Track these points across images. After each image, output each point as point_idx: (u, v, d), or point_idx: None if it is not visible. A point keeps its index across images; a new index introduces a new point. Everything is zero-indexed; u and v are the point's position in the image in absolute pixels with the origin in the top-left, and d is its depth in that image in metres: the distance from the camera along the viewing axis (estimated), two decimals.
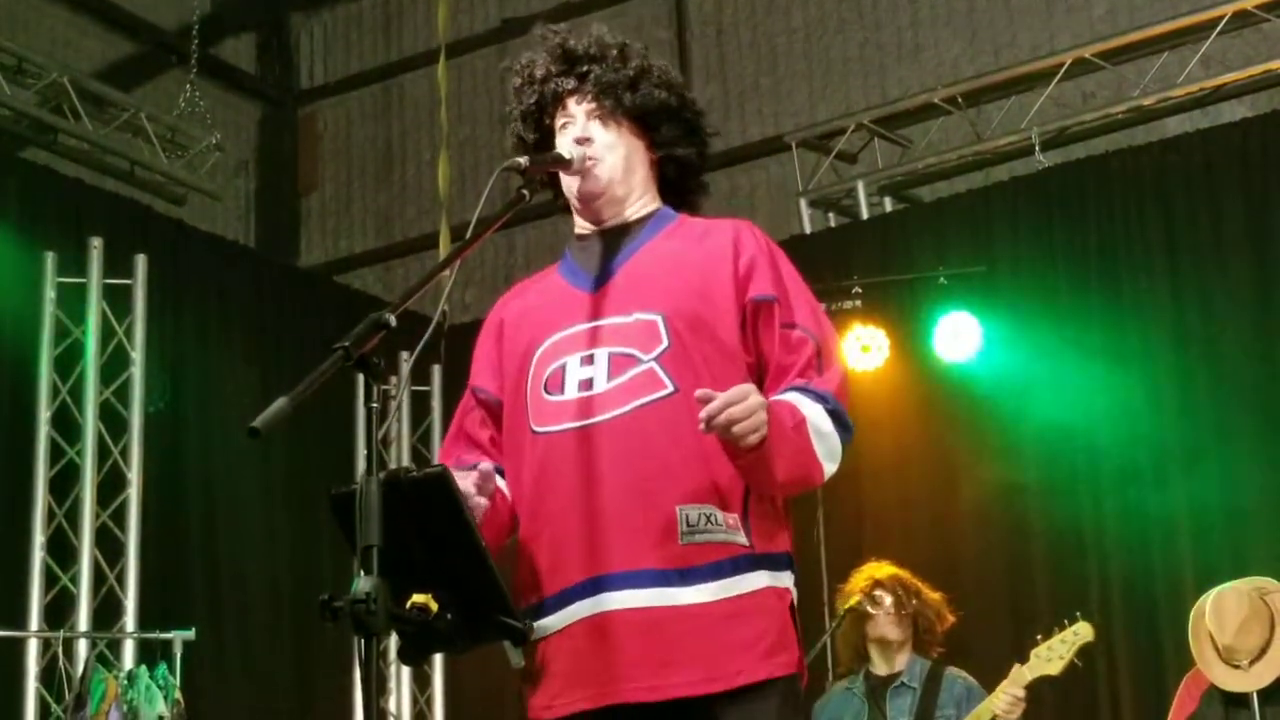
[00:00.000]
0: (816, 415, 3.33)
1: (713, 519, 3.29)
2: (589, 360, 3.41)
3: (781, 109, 9.65)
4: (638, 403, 3.33)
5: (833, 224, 8.96)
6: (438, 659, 8.43)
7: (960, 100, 8.68)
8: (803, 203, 8.88)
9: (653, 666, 3.25)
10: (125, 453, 7.53)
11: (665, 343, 3.37)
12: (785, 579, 3.38)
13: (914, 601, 6.44)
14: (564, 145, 3.57)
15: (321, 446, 8.47)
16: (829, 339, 3.47)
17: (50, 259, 7.48)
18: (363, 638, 2.78)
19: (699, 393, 3.18)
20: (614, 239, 3.59)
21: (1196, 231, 7.61)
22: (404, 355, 8.92)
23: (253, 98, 11.10)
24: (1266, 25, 8.02)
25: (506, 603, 3.13)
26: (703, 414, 3.13)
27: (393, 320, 3.00)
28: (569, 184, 3.60)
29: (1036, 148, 8.27)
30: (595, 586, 3.29)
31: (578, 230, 3.66)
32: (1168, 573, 7.26)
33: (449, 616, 3.01)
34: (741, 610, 3.28)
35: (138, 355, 7.61)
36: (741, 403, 3.13)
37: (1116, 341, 7.54)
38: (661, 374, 3.35)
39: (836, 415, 3.36)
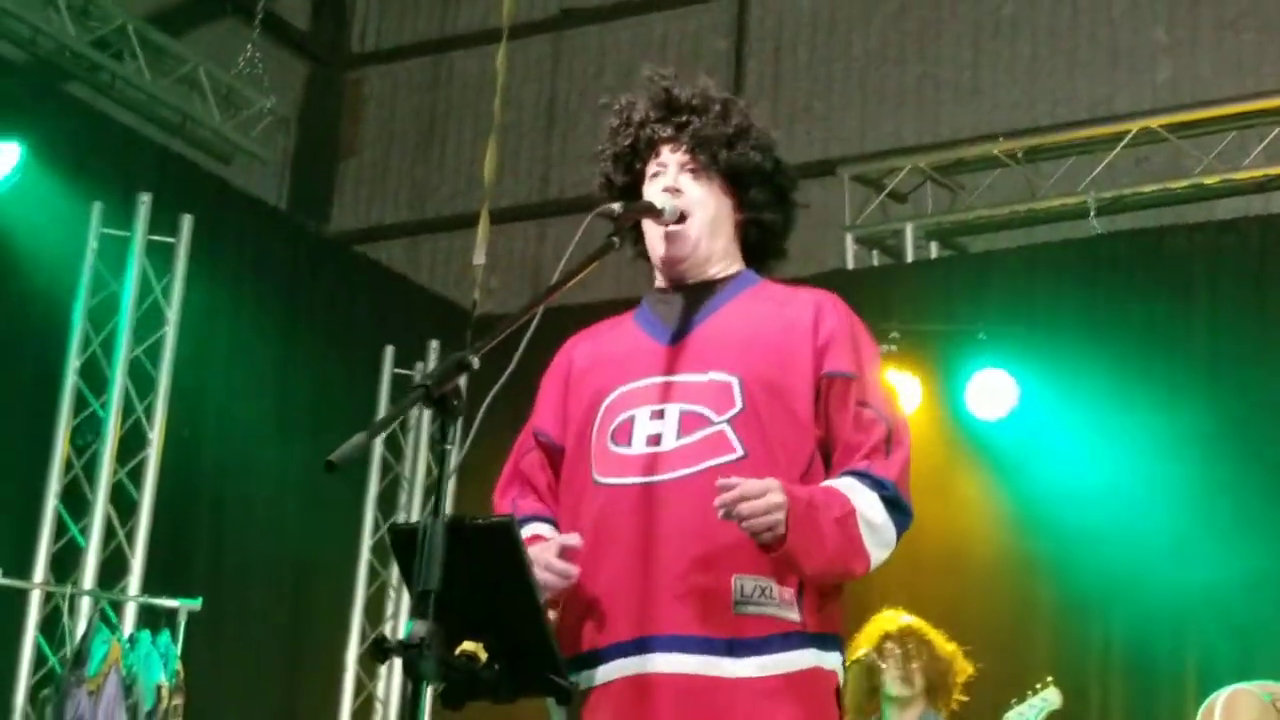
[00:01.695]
0: (869, 505, 3.31)
1: (768, 592, 3.28)
2: (659, 415, 3.39)
3: (831, 134, 9.63)
4: (705, 465, 3.30)
5: (876, 262, 8.95)
6: None
7: (1020, 155, 8.64)
8: (848, 238, 8.86)
9: None
10: (149, 411, 7.50)
11: (739, 406, 3.36)
12: (833, 660, 3.36)
13: (925, 655, 6.42)
14: (653, 194, 3.55)
15: (341, 430, 8.41)
16: (900, 424, 3.45)
17: (97, 209, 7.44)
18: (412, 682, 2.77)
19: (720, 481, 3.17)
20: (695, 295, 3.56)
21: (1243, 318, 7.59)
22: (433, 344, 8.93)
23: (301, 55, 11.03)
24: None
25: (557, 660, 3.11)
26: (717, 501, 3.13)
27: (475, 363, 2.94)
28: (654, 242, 3.59)
29: (1092, 212, 8.27)
30: (642, 646, 3.27)
31: (657, 284, 3.64)
32: (1171, 656, 7.25)
33: (496, 667, 3.00)
34: (786, 689, 3.27)
35: (173, 315, 7.59)
36: (756, 499, 3.12)
37: (1148, 419, 7.50)
38: (732, 437, 3.33)
39: (893, 502, 3.35)
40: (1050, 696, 6.22)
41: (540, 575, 3.19)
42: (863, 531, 3.28)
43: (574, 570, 3.27)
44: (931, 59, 9.50)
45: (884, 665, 6.36)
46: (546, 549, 3.28)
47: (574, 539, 3.29)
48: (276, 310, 8.40)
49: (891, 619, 6.47)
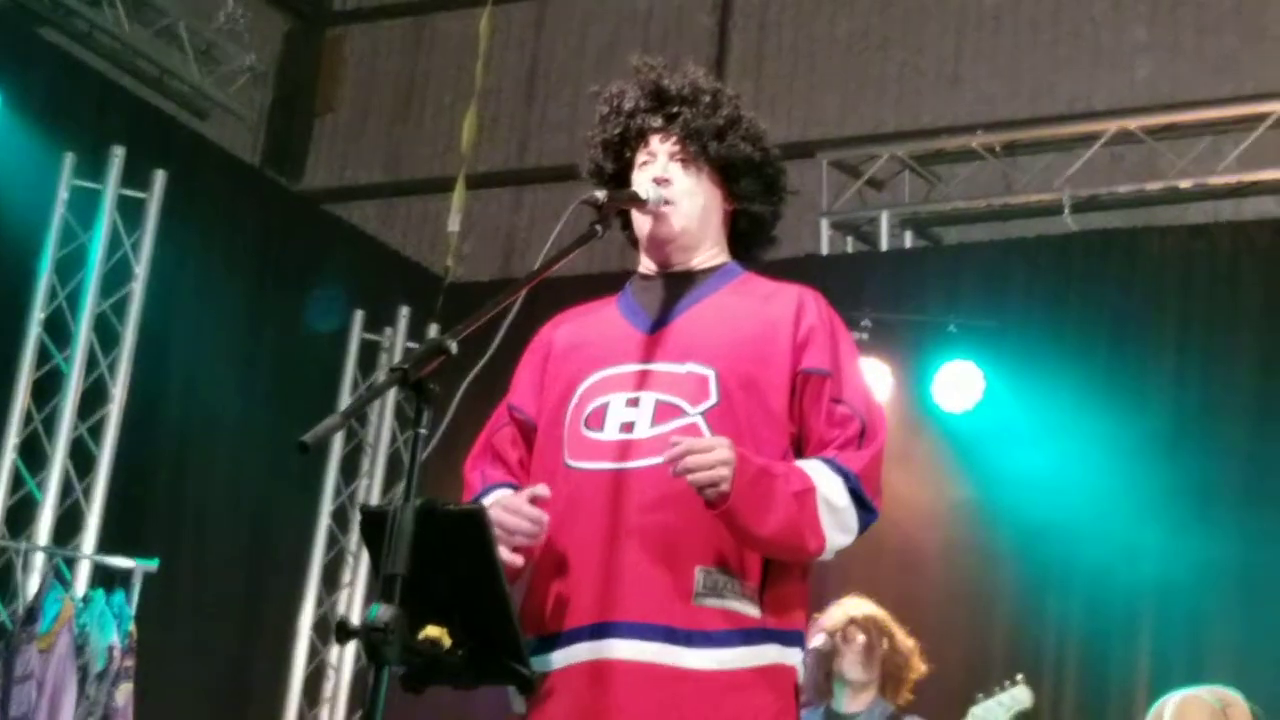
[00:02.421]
0: (831, 488, 3.32)
1: (730, 585, 3.29)
2: (634, 403, 3.40)
3: (811, 116, 9.60)
4: None
5: (850, 249, 8.94)
6: None
7: (998, 149, 8.65)
8: (823, 223, 8.86)
9: None
10: (113, 367, 7.44)
11: (714, 399, 3.37)
12: (793, 656, 3.37)
13: (885, 645, 6.44)
14: (641, 183, 3.55)
15: (304, 392, 8.41)
16: (876, 421, 3.46)
17: (69, 159, 7.37)
18: (374, 665, 2.79)
19: (673, 438, 3.19)
20: (678, 285, 3.57)
21: (1211, 324, 7.61)
22: (403, 310, 8.89)
23: (282, 10, 10.93)
24: None
25: (520, 649, 3.13)
26: (665, 455, 3.16)
27: (454, 348, 2.95)
28: (640, 223, 3.58)
29: (1066, 210, 8.27)
30: (603, 632, 3.28)
31: (642, 269, 3.65)
32: (1124, 658, 7.27)
33: (459, 653, 3.00)
34: (744, 683, 3.28)
35: (141, 271, 7.52)
36: (703, 453, 3.14)
37: (1112, 420, 7.50)
38: (705, 430, 3.33)
39: (856, 495, 3.35)
40: (1020, 695, 6.20)
41: (510, 520, 3.22)
42: (821, 510, 3.29)
43: (544, 516, 3.26)
44: (914, 47, 9.48)
45: (845, 648, 6.38)
46: (517, 495, 3.29)
47: (543, 489, 3.29)
48: (246, 269, 8.36)
49: (858, 604, 6.49)
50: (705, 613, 3.26)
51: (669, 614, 3.26)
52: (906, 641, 6.46)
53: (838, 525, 3.32)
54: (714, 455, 3.13)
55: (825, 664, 6.43)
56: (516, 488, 3.47)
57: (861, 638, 6.39)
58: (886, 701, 6.42)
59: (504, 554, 3.21)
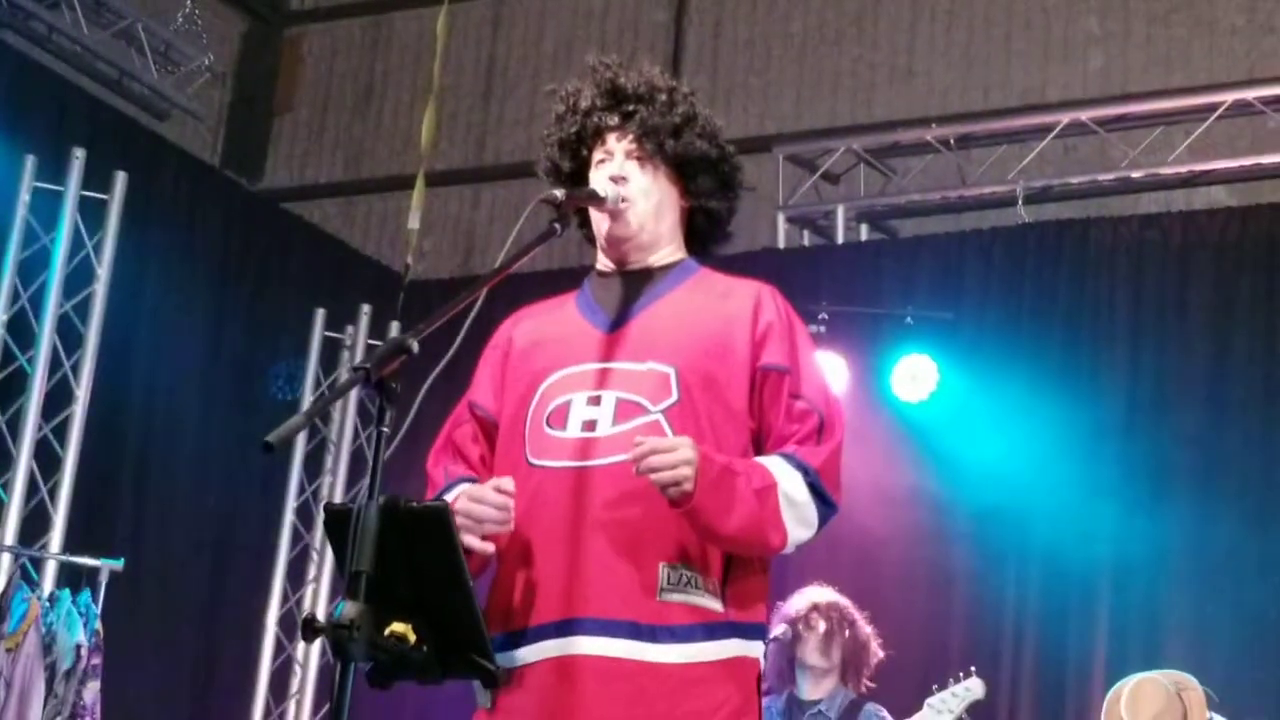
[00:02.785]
0: (791, 483, 3.36)
1: (693, 581, 3.33)
2: (595, 401, 3.43)
3: (767, 111, 9.64)
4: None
5: (807, 243, 8.98)
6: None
7: (951, 141, 8.70)
8: (779, 217, 8.90)
9: (611, 717, 3.28)
10: (77, 368, 7.42)
11: (675, 397, 3.40)
12: (756, 649, 3.41)
13: (846, 633, 6.50)
14: (598, 181, 3.58)
15: (265, 394, 8.40)
16: (834, 416, 3.50)
17: (30, 162, 7.37)
18: (340, 661, 2.82)
19: (636, 438, 3.23)
20: (636, 283, 3.60)
21: (1163, 312, 7.67)
22: (364, 308, 8.89)
23: (240, 10, 10.92)
24: (1261, 118, 8.07)
25: (485, 645, 3.14)
26: (629, 455, 3.20)
27: (415, 347, 2.97)
28: (598, 221, 3.62)
29: (1020, 201, 8.33)
30: (568, 629, 3.31)
31: (599, 267, 3.68)
32: (1081, 643, 7.32)
33: (425, 649, 3.02)
34: (707, 677, 3.32)
35: (104, 273, 7.50)
36: (666, 453, 3.18)
37: (1067, 409, 7.58)
38: (666, 427, 3.37)
39: (816, 490, 3.39)
40: (973, 686, 6.28)
41: (477, 509, 3.26)
42: (782, 506, 3.33)
43: (511, 503, 3.29)
44: (868, 41, 9.51)
45: (807, 635, 6.44)
46: (483, 485, 3.33)
47: (507, 481, 3.32)
48: (208, 269, 8.35)
49: (819, 593, 6.55)
50: (669, 608, 3.30)
51: (634, 610, 3.29)
52: (866, 629, 6.52)
53: (798, 520, 3.37)
54: (676, 455, 3.17)
55: (787, 651, 6.48)
56: (479, 482, 3.49)
57: (823, 625, 6.45)
58: (848, 689, 6.49)
59: (473, 543, 3.25)
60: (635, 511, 3.32)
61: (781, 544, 3.38)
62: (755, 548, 3.38)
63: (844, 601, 6.55)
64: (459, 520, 3.19)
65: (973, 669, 6.34)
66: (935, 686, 6.31)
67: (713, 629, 3.33)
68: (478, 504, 3.29)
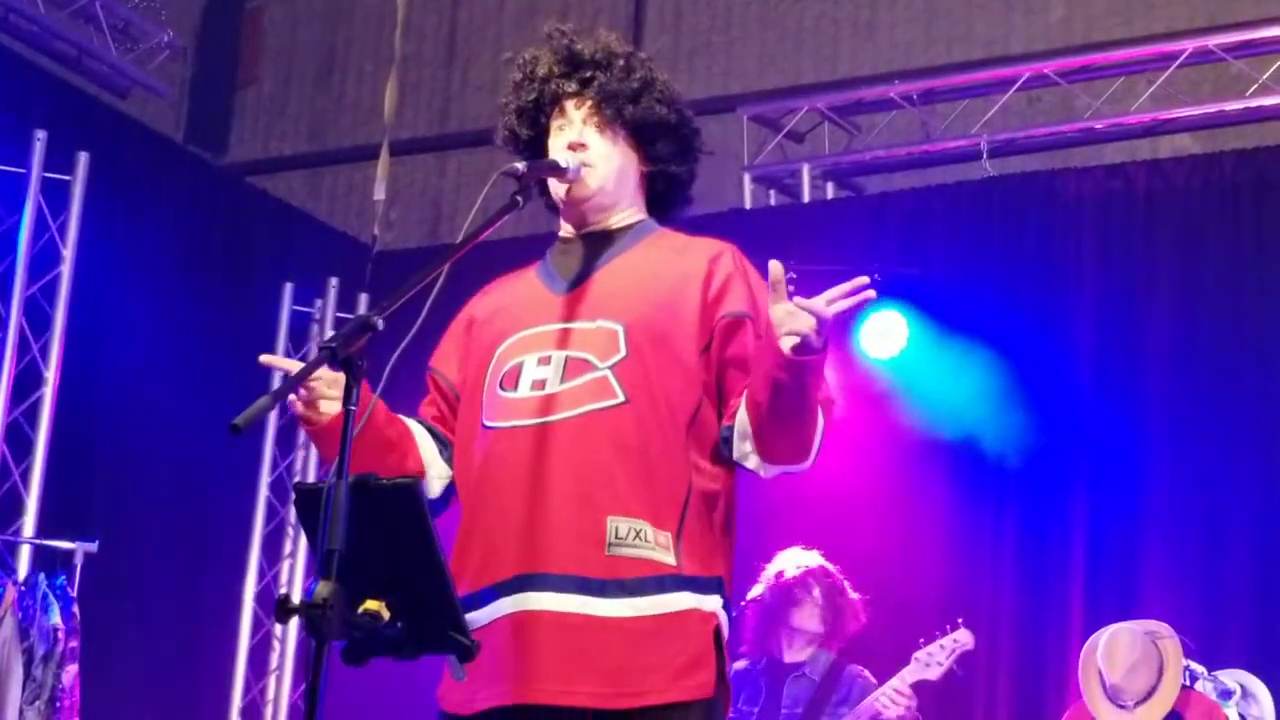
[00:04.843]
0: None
1: (642, 534, 3.35)
2: (545, 361, 3.47)
3: (731, 70, 9.61)
4: (587, 408, 3.40)
5: (773, 202, 8.98)
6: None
7: (915, 97, 8.70)
8: (746, 178, 8.89)
9: (564, 673, 3.31)
10: (45, 351, 7.39)
11: (622, 353, 3.44)
12: (712, 603, 3.42)
13: (836, 599, 6.54)
14: (557, 147, 3.62)
15: (237, 365, 8.36)
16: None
17: None
18: (314, 640, 2.84)
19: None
20: (594, 245, 3.65)
21: (1129, 261, 7.68)
22: (332, 281, 8.88)
23: None
24: (1223, 65, 8.09)
25: (459, 619, 3.13)
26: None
27: (380, 324, 3.00)
28: (557, 187, 3.64)
29: (985, 155, 8.34)
30: (523, 584, 3.35)
31: (561, 233, 3.73)
32: (1058, 594, 7.33)
33: (399, 625, 3.03)
34: (659, 629, 3.34)
35: (69, 254, 7.47)
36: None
37: (1036, 359, 7.60)
38: (614, 383, 3.41)
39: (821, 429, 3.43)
40: (961, 637, 6.32)
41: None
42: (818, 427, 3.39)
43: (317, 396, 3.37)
44: None
45: (804, 601, 6.47)
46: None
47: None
48: (174, 246, 8.29)
49: (808, 556, 6.58)
50: (619, 562, 3.33)
51: (584, 564, 3.33)
52: (853, 595, 6.56)
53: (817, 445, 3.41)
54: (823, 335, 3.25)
55: (772, 614, 6.50)
56: (426, 426, 3.63)
57: (819, 592, 6.48)
58: (829, 651, 6.52)
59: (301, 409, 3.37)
60: (585, 467, 3.36)
61: (809, 450, 3.41)
62: (803, 441, 3.38)
63: (832, 567, 6.59)
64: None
65: (960, 621, 6.37)
66: (922, 640, 6.34)
67: (663, 582, 3.35)
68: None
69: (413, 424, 3.61)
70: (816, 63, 9.42)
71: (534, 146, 3.71)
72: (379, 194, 8.22)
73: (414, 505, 3.06)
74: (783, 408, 3.29)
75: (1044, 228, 7.88)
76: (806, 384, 3.25)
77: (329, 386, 3.36)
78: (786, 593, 6.49)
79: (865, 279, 3.33)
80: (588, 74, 3.64)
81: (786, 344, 3.21)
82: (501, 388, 3.49)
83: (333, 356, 2.93)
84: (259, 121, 10.98)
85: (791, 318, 3.22)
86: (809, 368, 3.23)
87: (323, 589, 2.80)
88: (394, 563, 3.03)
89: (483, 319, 3.67)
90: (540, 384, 3.44)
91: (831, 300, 3.25)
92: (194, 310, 8.32)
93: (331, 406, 3.36)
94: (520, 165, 3.52)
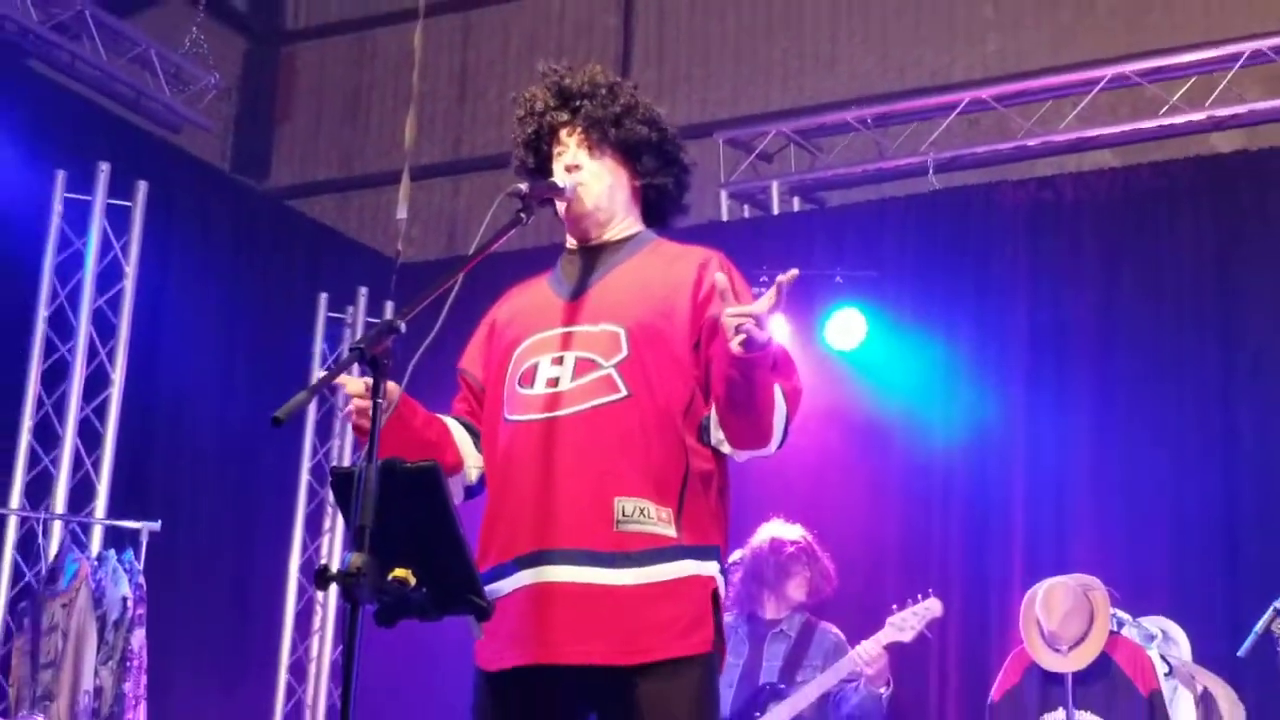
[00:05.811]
0: (778, 395, 3.41)
1: (645, 511, 3.37)
2: (558, 361, 3.49)
3: (709, 98, 9.61)
4: (594, 403, 3.42)
5: (746, 215, 8.98)
6: None
7: (870, 120, 8.71)
8: (722, 194, 8.90)
9: (579, 635, 3.33)
10: (111, 355, 7.44)
11: (624, 352, 3.46)
12: (710, 568, 3.45)
13: (817, 569, 6.55)
14: (558, 172, 3.65)
15: (279, 365, 8.39)
16: (786, 354, 3.52)
17: (61, 176, 7.35)
18: (349, 604, 2.87)
19: (730, 310, 3.27)
20: (595, 256, 3.66)
21: (1058, 262, 7.69)
22: (362, 290, 8.88)
23: (242, 32, 10.89)
24: (1138, 89, 8.11)
25: (476, 584, 3.15)
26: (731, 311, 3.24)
27: (403, 327, 3.03)
28: (560, 206, 3.66)
29: (930, 170, 8.35)
30: (541, 559, 3.37)
31: (568, 245, 3.74)
32: (1001, 554, 7.35)
33: (424, 590, 3.05)
34: (663, 594, 3.36)
35: (131, 270, 7.51)
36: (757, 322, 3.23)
37: (979, 349, 7.63)
38: (618, 380, 3.43)
39: (785, 415, 3.45)
40: (932, 605, 6.30)
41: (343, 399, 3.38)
42: (776, 407, 3.40)
43: (355, 386, 3.37)
44: (795, 33, 9.48)
45: (795, 572, 6.47)
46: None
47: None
48: (223, 262, 8.30)
49: (793, 530, 6.58)
50: (626, 536, 3.35)
51: (595, 540, 3.35)
52: (830, 565, 6.58)
53: (780, 428, 3.43)
54: (765, 333, 3.24)
55: (761, 580, 6.50)
56: (461, 421, 3.64)
57: (807, 566, 6.49)
58: (804, 612, 6.53)
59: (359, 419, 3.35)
60: (593, 454, 3.38)
61: (768, 437, 3.42)
62: (761, 428, 3.39)
63: (811, 537, 6.61)
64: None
65: (930, 590, 6.37)
66: (895, 606, 6.32)
67: (664, 552, 3.36)
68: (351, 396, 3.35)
69: (450, 422, 3.63)
70: (783, 92, 9.43)
71: (541, 171, 3.73)
72: (401, 214, 8.20)
73: (435, 485, 3.07)
74: (737, 400, 3.33)
75: (984, 234, 7.88)
76: (754, 379, 3.28)
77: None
78: (782, 565, 6.47)
79: (790, 276, 3.33)
80: (576, 104, 3.68)
81: (734, 343, 3.23)
82: (520, 385, 3.51)
83: (361, 356, 2.96)
84: (295, 152, 10.97)
85: (735, 319, 3.23)
86: (755, 363, 3.26)
87: (356, 559, 2.83)
88: (418, 536, 3.05)
89: (503, 322, 3.69)
90: (554, 381, 3.46)
91: (768, 300, 3.26)
92: (241, 317, 8.33)
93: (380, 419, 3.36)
94: (523, 186, 3.56)
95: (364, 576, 2.82)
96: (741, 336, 3.22)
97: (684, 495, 3.42)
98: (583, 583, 3.34)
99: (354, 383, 3.36)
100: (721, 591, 3.47)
